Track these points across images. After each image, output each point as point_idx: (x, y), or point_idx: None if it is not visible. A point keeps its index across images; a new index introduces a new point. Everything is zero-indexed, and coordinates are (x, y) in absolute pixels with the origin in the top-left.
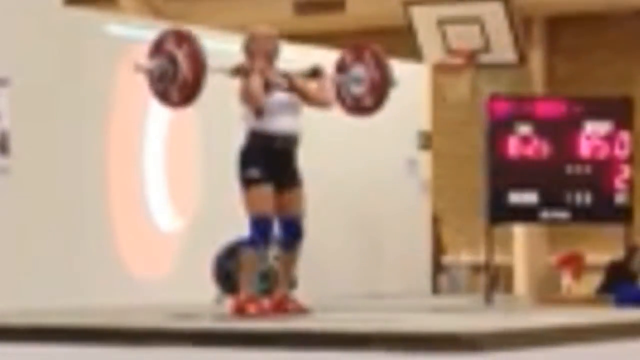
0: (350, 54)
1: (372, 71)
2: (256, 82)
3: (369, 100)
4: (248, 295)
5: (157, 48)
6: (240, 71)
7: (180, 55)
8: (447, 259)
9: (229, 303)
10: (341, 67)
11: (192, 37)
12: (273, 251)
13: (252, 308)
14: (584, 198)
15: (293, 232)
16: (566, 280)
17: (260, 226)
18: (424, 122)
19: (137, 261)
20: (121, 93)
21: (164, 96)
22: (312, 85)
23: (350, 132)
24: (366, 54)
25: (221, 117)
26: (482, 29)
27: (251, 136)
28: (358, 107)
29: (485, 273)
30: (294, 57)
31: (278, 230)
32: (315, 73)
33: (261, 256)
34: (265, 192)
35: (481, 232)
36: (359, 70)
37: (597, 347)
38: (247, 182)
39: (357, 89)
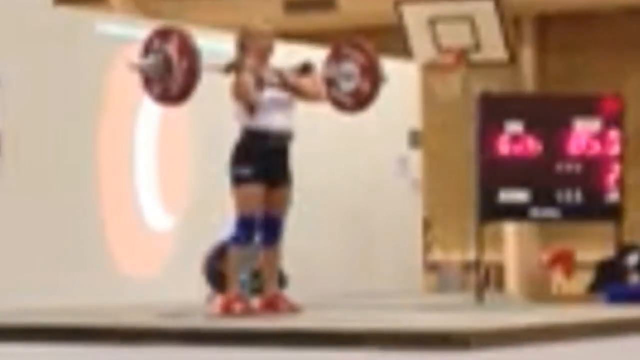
0: (332, 58)
1: (358, 59)
2: (246, 77)
3: (366, 86)
4: (236, 294)
5: (151, 45)
6: (232, 68)
7: (174, 53)
8: (438, 257)
9: (218, 302)
10: (329, 72)
11: (186, 35)
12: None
13: (237, 307)
14: (575, 196)
15: (275, 230)
16: (557, 278)
17: (246, 225)
18: (415, 120)
19: (128, 260)
20: (113, 92)
21: (157, 94)
22: (304, 81)
23: (342, 131)
24: (345, 49)
25: (213, 116)
26: (473, 27)
27: (244, 134)
28: (359, 101)
29: (476, 271)
30: (284, 56)
31: (259, 227)
32: (305, 68)
33: (251, 254)
34: (255, 191)
35: (472, 231)
36: (346, 67)
37: (588, 344)
38: (238, 180)
39: (351, 84)
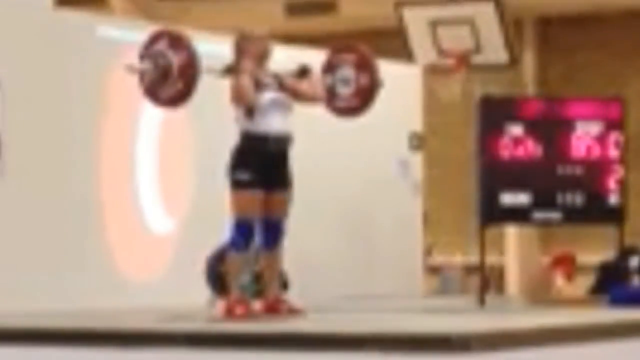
0: (327, 69)
1: (351, 60)
2: (245, 80)
3: (365, 81)
4: (237, 297)
5: (150, 49)
6: (230, 71)
7: (173, 56)
8: (440, 260)
9: (219, 305)
10: (327, 84)
11: (185, 37)
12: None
13: (239, 310)
14: (576, 199)
15: (275, 234)
16: (558, 280)
17: (242, 229)
18: (416, 123)
19: (130, 264)
20: (113, 95)
21: (155, 97)
22: (302, 84)
23: (343, 133)
24: (335, 58)
25: (213, 119)
26: (473, 30)
27: (244, 137)
28: (363, 99)
29: (477, 274)
30: (285, 59)
31: (260, 231)
32: (303, 72)
33: (250, 259)
34: (253, 196)
35: (473, 233)
36: (341, 73)
37: (590, 347)
38: (236, 185)
39: (351, 86)
